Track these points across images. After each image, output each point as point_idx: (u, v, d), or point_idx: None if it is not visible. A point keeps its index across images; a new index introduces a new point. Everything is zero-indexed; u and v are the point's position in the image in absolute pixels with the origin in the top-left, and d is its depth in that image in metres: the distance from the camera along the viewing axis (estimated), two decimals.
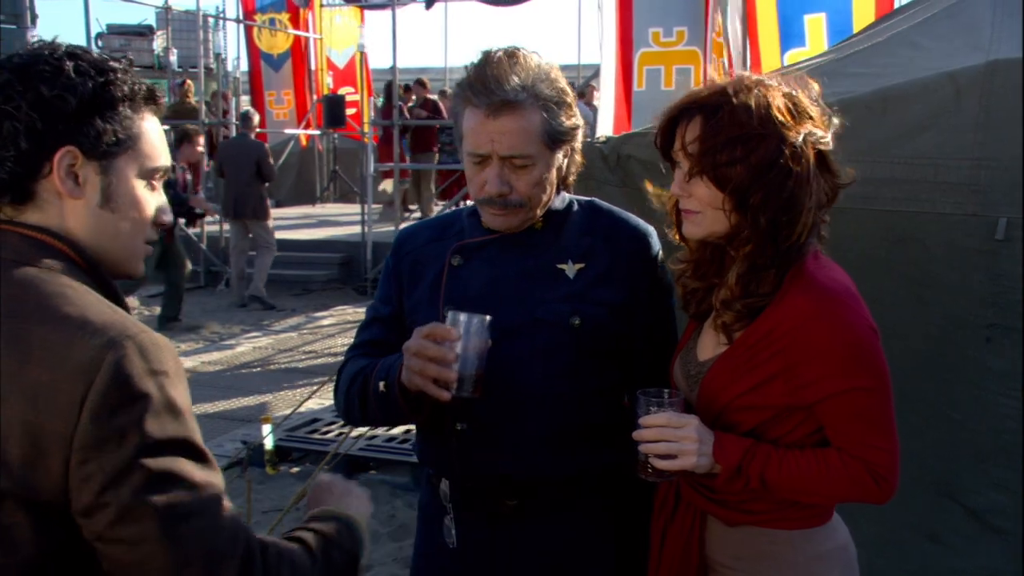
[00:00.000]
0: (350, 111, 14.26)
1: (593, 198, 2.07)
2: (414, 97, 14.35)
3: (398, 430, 5.50)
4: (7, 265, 1.28)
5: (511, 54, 1.85)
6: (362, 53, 12.96)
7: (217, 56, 13.30)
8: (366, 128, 13.80)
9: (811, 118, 1.74)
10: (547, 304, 1.90)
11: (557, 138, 1.87)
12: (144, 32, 20.00)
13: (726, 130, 1.68)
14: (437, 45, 48.91)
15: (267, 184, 10.02)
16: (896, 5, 7.30)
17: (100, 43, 18.69)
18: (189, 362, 7.87)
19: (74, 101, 1.29)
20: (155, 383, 1.24)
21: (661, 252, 2.02)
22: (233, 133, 12.25)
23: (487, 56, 1.85)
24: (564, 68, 2.00)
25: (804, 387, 1.70)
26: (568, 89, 1.90)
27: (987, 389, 2.78)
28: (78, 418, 1.19)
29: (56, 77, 1.29)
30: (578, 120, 1.92)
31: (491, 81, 1.81)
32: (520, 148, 1.83)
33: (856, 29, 7.34)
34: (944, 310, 2.80)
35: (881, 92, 2.91)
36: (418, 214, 13.45)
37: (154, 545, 1.21)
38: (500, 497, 1.93)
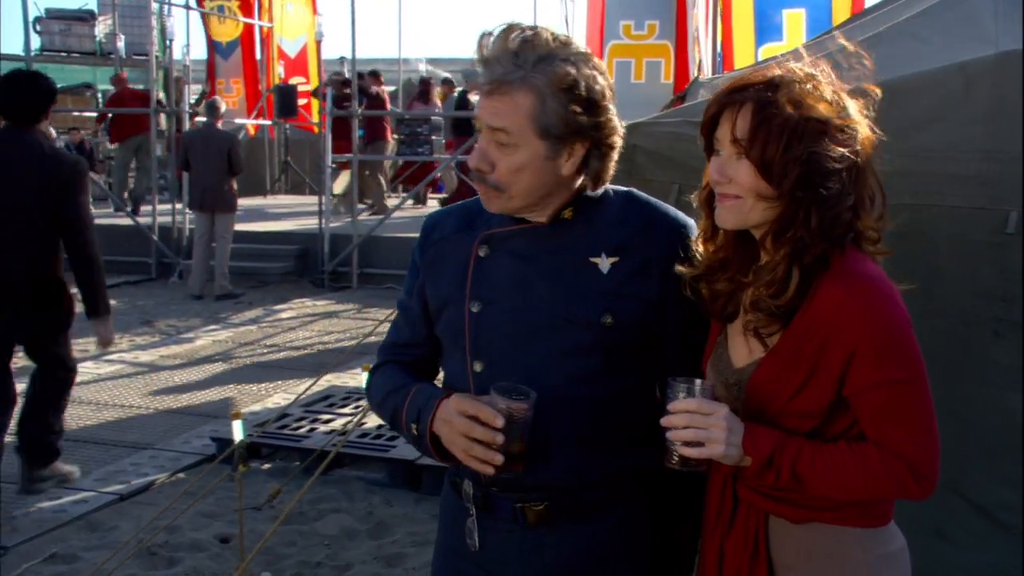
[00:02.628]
0: (301, 101, 14.05)
1: (631, 188, 1.97)
2: (347, 90, 14.14)
3: (371, 424, 5.40)
4: None
5: (529, 30, 1.75)
6: (317, 42, 12.77)
7: (170, 43, 12.96)
8: (315, 118, 13.62)
9: (857, 115, 1.70)
10: (578, 301, 1.81)
11: (551, 130, 1.74)
12: (85, 17, 19.56)
13: (778, 122, 1.64)
14: (391, 36, 48.57)
15: (236, 176, 9.84)
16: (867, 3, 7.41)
17: (38, 28, 18.19)
18: (146, 356, 7.68)
19: None
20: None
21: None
22: (187, 122, 12.01)
23: (503, 30, 1.76)
24: None
25: (840, 378, 1.65)
26: (592, 83, 1.74)
27: (995, 384, 2.76)
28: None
29: None
30: (598, 116, 1.76)
31: (490, 57, 1.75)
32: (500, 122, 1.74)
33: (835, 23, 7.41)
34: (952, 304, 2.77)
35: (888, 84, 2.85)
36: (372, 206, 13.30)
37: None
38: (526, 502, 1.85)
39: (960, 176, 2.74)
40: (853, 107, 1.71)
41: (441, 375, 2.03)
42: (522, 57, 1.73)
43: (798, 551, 1.76)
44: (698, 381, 1.69)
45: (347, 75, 13.46)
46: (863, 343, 1.63)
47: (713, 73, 7.54)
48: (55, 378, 4.61)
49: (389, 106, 14.05)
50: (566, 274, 1.82)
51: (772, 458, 1.65)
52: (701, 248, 1.82)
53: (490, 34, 1.76)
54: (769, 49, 7.73)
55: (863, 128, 1.71)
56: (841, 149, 1.65)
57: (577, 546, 1.86)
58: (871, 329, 1.63)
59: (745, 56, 7.87)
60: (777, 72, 1.69)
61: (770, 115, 1.64)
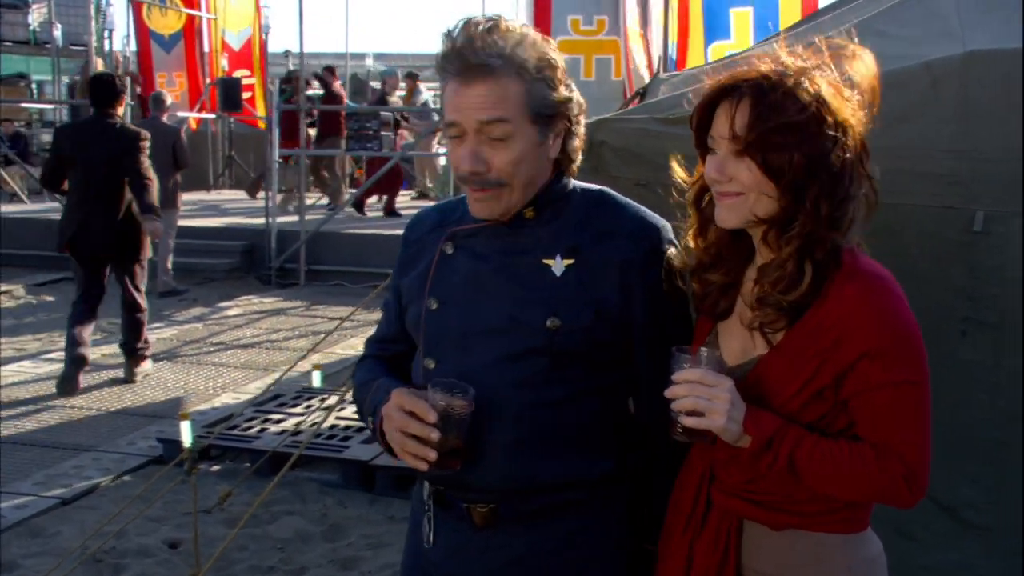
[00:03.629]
0: (246, 95, 13.81)
1: (605, 188, 1.93)
2: (315, 84, 13.97)
3: (325, 424, 5.29)
4: None
5: (490, 20, 1.73)
6: (265, 35, 12.56)
7: (110, 32, 12.62)
8: (260, 111, 13.40)
9: (855, 107, 1.68)
10: (525, 304, 1.77)
11: (542, 112, 1.73)
12: (18, 4, 19.05)
13: (778, 115, 1.61)
14: (339, 31, 48.28)
15: (181, 170, 9.61)
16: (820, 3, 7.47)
17: None
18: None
19: None
20: None
21: (672, 251, 1.87)
22: (129, 115, 11.72)
23: (463, 23, 1.73)
24: None
25: (847, 376, 1.63)
26: (557, 59, 1.76)
27: (962, 384, 2.76)
28: None
29: None
30: (571, 93, 1.78)
31: (464, 46, 1.70)
32: (495, 113, 1.69)
33: (782, 24, 7.45)
34: (920, 303, 2.70)
35: None
36: (324, 200, 13.15)
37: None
38: (473, 502, 1.82)
39: (930, 175, 2.73)
40: (850, 100, 1.68)
41: None
42: (498, 43, 1.70)
43: (776, 558, 1.73)
44: (703, 349, 1.67)
45: (293, 68, 13.29)
46: (877, 344, 1.61)
47: (665, 70, 7.55)
48: (134, 309, 6.70)
49: (345, 102, 13.87)
50: (517, 275, 1.79)
51: (772, 441, 1.63)
52: (692, 244, 1.80)
53: (455, 28, 1.73)
54: (718, 47, 7.77)
55: (858, 122, 1.68)
56: (842, 141, 1.63)
57: (525, 551, 1.82)
58: (885, 330, 1.62)
59: (696, 54, 7.91)
60: (770, 65, 1.67)
61: (768, 109, 1.62)
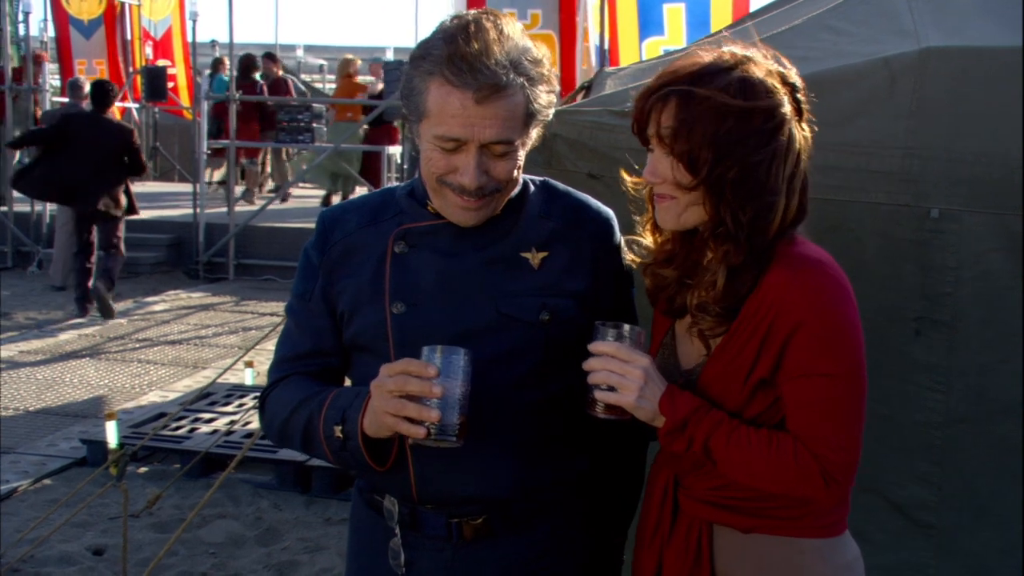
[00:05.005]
0: (170, 84, 13.43)
1: (546, 178, 1.89)
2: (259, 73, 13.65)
3: (257, 424, 5.13)
4: None
5: (495, 25, 1.60)
6: (192, 22, 12.22)
7: (25, 16, 12.18)
8: (185, 102, 13.07)
9: (797, 103, 1.65)
10: (514, 298, 1.70)
11: (534, 117, 1.68)
12: None
13: (703, 113, 1.57)
14: (267, 21, 47.62)
15: None
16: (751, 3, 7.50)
17: None
18: (4, 351, 7.17)
19: None
20: None
21: (622, 237, 1.87)
22: (46, 101, 11.35)
23: (465, 25, 1.60)
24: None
25: (782, 363, 1.59)
26: (546, 60, 1.68)
27: (914, 383, 2.74)
28: None
29: None
30: (554, 96, 1.71)
31: (476, 58, 1.57)
32: (505, 134, 1.62)
33: (713, 20, 7.47)
34: (875, 302, 2.74)
35: (814, 76, 2.80)
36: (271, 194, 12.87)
37: None
38: (463, 517, 1.72)
39: (884, 172, 2.71)
40: (786, 96, 1.64)
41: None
42: (507, 52, 1.60)
43: (752, 563, 1.69)
44: (626, 326, 1.63)
45: (218, 56, 12.98)
46: (804, 325, 1.57)
47: (599, 66, 7.50)
48: (113, 249, 8.29)
49: (293, 93, 13.56)
50: (498, 271, 1.72)
51: (686, 424, 1.58)
52: (648, 238, 1.77)
53: (465, 31, 1.59)
54: (652, 44, 7.76)
55: (794, 119, 1.64)
56: (770, 140, 1.59)
57: (514, 559, 1.75)
58: (813, 311, 1.57)
59: (630, 50, 7.88)
60: (706, 59, 1.62)
61: (693, 109, 1.57)
